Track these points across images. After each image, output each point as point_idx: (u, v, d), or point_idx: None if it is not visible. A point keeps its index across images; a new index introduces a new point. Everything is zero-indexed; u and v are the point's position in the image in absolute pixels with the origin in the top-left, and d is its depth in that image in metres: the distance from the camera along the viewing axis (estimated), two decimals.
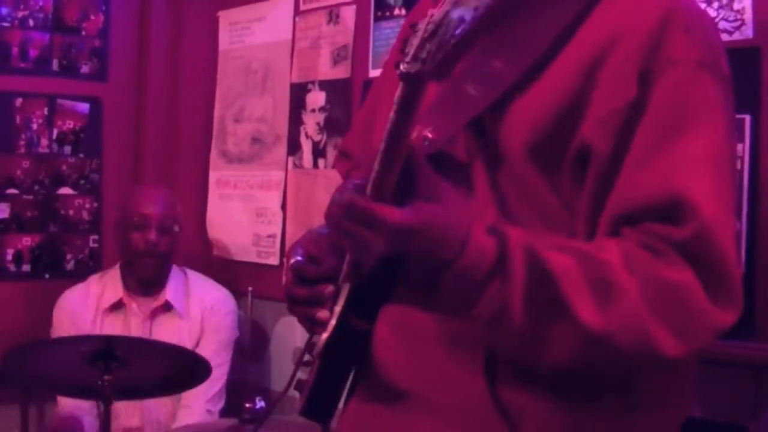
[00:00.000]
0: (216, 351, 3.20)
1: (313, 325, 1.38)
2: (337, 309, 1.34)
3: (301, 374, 1.44)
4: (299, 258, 1.40)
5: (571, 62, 1.26)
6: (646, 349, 1.18)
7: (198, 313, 3.30)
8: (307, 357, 1.42)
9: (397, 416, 1.37)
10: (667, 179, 1.20)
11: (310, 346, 1.40)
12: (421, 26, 1.10)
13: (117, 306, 3.28)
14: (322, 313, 1.34)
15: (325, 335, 1.32)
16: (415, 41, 1.10)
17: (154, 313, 3.27)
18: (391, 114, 1.14)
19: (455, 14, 1.06)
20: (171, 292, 3.29)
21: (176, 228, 3.30)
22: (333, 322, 1.33)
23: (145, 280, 3.27)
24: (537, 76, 1.28)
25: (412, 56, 1.09)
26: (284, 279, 1.43)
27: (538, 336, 1.18)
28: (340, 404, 1.44)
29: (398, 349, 1.38)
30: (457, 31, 1.05)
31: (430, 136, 1.26)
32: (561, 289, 1.17)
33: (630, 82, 1.23)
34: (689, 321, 1.19)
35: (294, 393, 1.47)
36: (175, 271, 3.36)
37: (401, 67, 1.10)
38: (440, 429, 1.33)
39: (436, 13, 1.09)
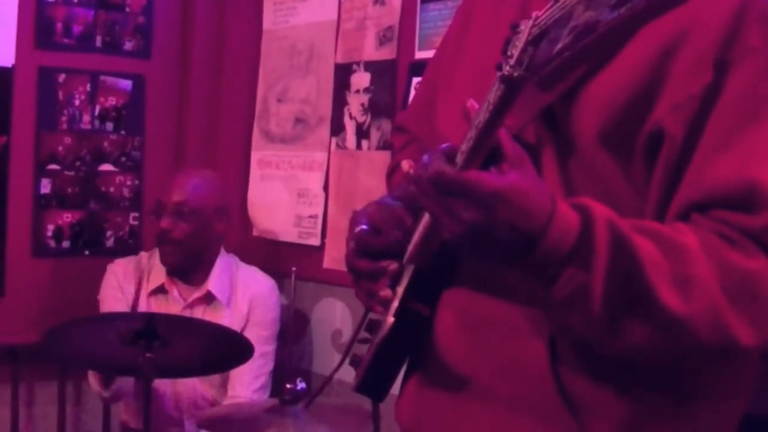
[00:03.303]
0: (260, 342, 3.13)
1: (372, 302, 1.37)
2: (400, 290, 1.33)
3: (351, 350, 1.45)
4: (363, 227, 1.39)
5: (643, 49, 1.23)
6: (722, 338, 1.15)
7: (245, 303, 3.25)
8: (363, 334, 1.42)
9: (461, 402, 1.36)
10: (742, 167, 1.18)
11: (368, 324, 1.39)
12: (524, 28, 1.08)
13: (159, 290, 3.26)
14: (386, 292, 1.34)
15: (390, 319, 1.32)
16: (519, 44, 1.08)
17: (195, 303, 3.23)
18: (485, 113, 1.13)
19: (569, 24, 1.03)
20: (214, 282, 3.24)
21: (202, 216, 3.19)
22: (395, 304, 1.33)
23: (169, 267, 3.23)
24: (608, 63, 1.25)
25: (516, 60, 1.08)
26: (346, 248, 1.41)
27: (614, 318, 1.15)
28: (395, 385, 1.43)
29: (460, 335, 1.36)
30: (577, 44, 1.03)
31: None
32: (644, 271, 1.13)
33: (706, 69, 1.20)
34: (764, 310, 1.16)
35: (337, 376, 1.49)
36: (223, 260, 3.30)
37: (504, 69, 1.09)
38: (504, 416, 1.32)
39: (542, 16, 1.07)
